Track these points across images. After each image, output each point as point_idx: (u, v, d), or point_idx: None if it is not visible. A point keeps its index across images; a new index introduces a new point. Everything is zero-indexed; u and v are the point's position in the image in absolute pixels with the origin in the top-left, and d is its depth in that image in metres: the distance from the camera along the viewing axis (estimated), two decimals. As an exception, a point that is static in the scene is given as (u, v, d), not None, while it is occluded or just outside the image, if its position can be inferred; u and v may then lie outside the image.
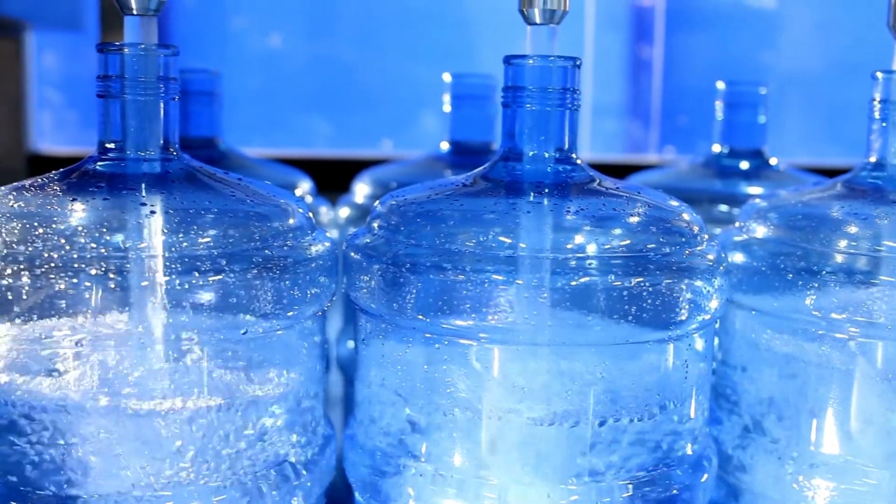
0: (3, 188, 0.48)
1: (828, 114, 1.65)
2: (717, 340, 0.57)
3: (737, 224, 0.58)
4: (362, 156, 1.19)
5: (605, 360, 0.47)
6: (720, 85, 0.78)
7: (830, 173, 0.62)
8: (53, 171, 0.49)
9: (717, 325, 0.56)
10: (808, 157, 1.57)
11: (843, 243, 0.51)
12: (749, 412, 0.55)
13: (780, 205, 0.56)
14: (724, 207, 0.74)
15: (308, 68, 1.60)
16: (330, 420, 0.55)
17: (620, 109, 1.67)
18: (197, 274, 0.44)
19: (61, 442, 0.44)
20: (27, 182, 0.48)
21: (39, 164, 1.26)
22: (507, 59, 0.50)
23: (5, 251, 0.44)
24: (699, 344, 0.50)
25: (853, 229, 0.52)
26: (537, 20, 0.50)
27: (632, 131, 1.68)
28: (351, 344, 0.72)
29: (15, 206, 0.46)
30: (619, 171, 0.81)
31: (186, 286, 0.44)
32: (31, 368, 0.44)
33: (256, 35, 1.61)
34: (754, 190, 0.74)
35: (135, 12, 0.48)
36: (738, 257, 0.55)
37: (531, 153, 0.51)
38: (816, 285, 0.51)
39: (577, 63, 0.50)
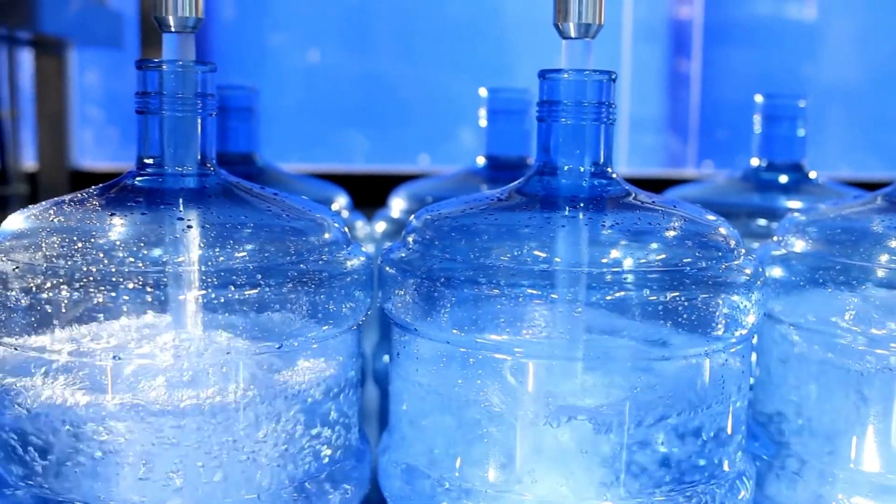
0: (43, 203, 0.49)
1: (870, 127, 1.63)
2: (754, 356, 0.56)
3: (775, 238, 0.58)
4: (399, 171, 1.19)
5: (641, 375, 0.46)
6: (758, 98, 0.77)
7: (873, 187, 0.61)
8: (93, 187, 0.50)
9: (754, 340, 0.55)
10: (850, 170, 1.55)
11: (883, 257, 0.51)
12: (787, 429, 0.55)
13: (818, 219, 0.55)
14: (762, 221, 0.73)
15: (347, 84, 1.61)
16: (365, 434, 0.55)
17: (659, 124, 1.66)
18: (233, 288, 0.45)
19: (98, 454, 0.45)
20: (67, 197, 0.49)
21: (81, 180, 1.27)
22: (542, 74, 0.50)
23: (45, 265, 0.44)
24: (736, 359, 0.49)
25: (894, 243, 0.51)
26: (572, 34, 0.50)
27: (670, 146, 1.67)
28: (387, 358, 0.73)
29: (55, 220, 0.46)
30: (657, 185, 0.80)
31: (222, 300, 0.44)
32: (69, 380, 0.45)
33: (295, 51, 1.62)
34: (793, 204, 0.73)
35: (173, 30, 0.49)
36: (776, 271, 0.54)
37: (566, 167, 0.50)
38: (856, 300, 0.50)
39: (613, 77, 0.50)
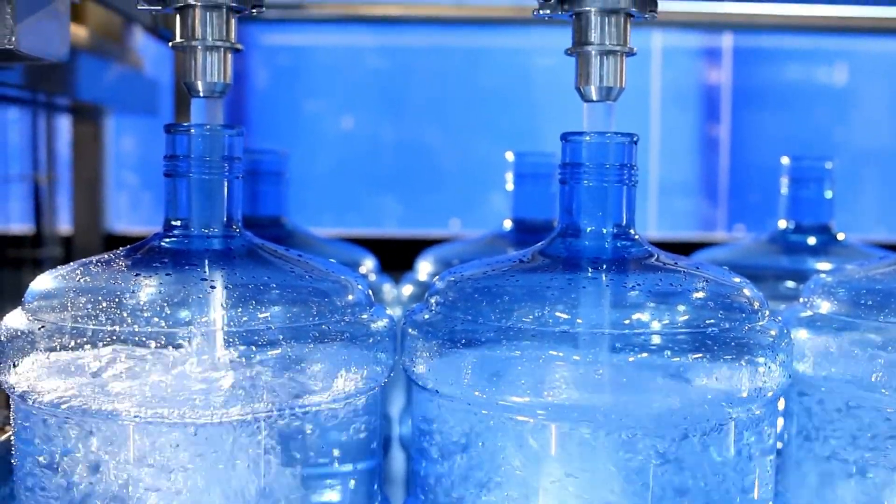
0: (71, 264, 0.49)
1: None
2: (781, 420, 0.56)
3: (801, 300, 0.57)
4: (428, 235, 1.20)
5: (664, 437, 0.46)
6: (785, 160, 0.77)
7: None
8: (121, 248, 0.51)
9: (781, 404, 0.54)
10: (887, 233, 1.54)
11: (911, 319, 0.50)
12: (814, 491, 0.54)
13: (844, 280, 0.55)
14: (790, 284, 0.73)
15: (380, 150, 1.63)
16: (387, 497, 0.55)
17: (689, 188, 1.66)
18: (255, 348, 0.45)
19: (118, 514, 0.45)
20: (94, 258, 0.49)
21: (115, 243, 1.29)
22: (564, 137, 0.51)
23: (71, 325, 0.45)
24: (761, 421, 0.49)
25: (921, 305, 0.50)
26: (594, 97, 0.50)
27: (701, 210, 1.66)
28: (413, 421, 0.72)
29: (82, 281, 0.47)
30: (687, 248, 0.80)
31: (244, 360, 0.45)
32: (93, 440, 0.45)
33: (330, 118, 1.64)
34: (821, 265, 0.73)
35: (201, 95, 0.50)
36: (802, 333, 0.54)
37: (589, 229, 0.51)
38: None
39: (634, 139, 0.50)
